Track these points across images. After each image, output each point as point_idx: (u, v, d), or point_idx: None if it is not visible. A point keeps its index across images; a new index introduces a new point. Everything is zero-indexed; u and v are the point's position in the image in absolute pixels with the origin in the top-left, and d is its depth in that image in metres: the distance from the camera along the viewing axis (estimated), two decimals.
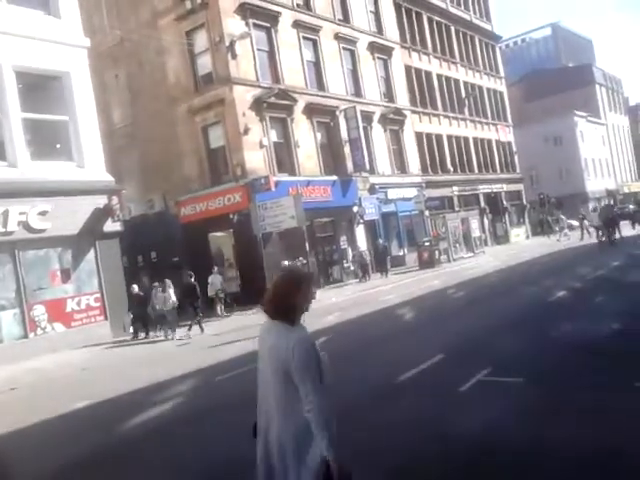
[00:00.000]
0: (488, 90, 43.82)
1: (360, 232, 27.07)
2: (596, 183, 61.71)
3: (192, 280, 16.93)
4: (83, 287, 16.80)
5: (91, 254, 16.98)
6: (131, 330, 17.12)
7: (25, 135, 15.74)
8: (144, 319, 16.91)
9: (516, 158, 46.29)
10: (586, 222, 32.52)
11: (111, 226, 17.21)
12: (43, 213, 15.57)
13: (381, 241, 27.08)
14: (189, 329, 15.97)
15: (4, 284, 15.13)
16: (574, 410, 5.45)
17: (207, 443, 6.03)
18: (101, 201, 17.07)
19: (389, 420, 5.90)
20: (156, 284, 16.98)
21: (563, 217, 36.54)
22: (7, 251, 15.18)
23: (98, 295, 16.86)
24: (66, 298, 16.34)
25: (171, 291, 16.26)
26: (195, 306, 16.33)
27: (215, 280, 19.86)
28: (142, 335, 16.80)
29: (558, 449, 4.60)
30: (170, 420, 7.35)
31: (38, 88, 16.76)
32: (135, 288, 17.36)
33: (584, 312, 10.54)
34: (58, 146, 17.07)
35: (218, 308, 19.62)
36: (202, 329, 16.08)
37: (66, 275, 16.57)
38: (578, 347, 7.67)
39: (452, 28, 40.02)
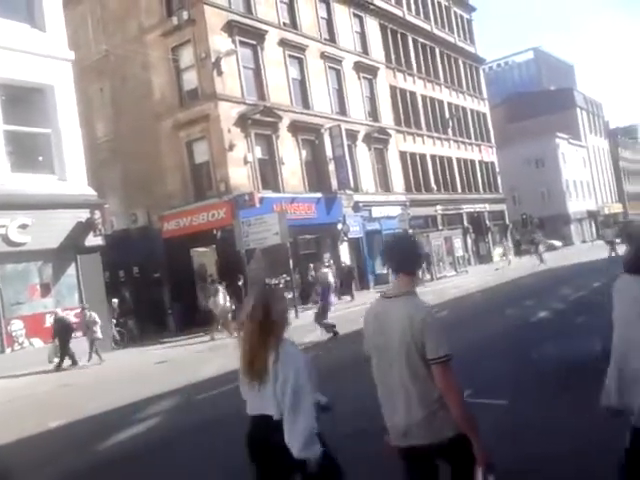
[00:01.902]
0: (471, 111, 44.37)
1: (344, 250, 27.07)
2: (577, 204, 62.54)
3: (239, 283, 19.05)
4: (63, 302, 16.51)
5: (72, 268, 16.76)
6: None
7: (6, 147, 15.55)
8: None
9: (499, 178, 46.81)
10: (541, 247, 32.65)
11: (93, 240, 17.01)
12: (23, 226, 15.36)
13: (347, 262, 26.48)
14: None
15: None
16: (557, 431, 5.41)
17: None
18: (83, 215, 16.88)
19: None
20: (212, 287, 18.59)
21: (539, 239, 36.45)
22: None
23: (78, 310, 16.57)
24: (45, 313, 16.05)
25: (221, 295, 17.88)
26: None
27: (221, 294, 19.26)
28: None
29: (540, 470, 4.56)
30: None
31: (21, 100, 16.57)
32: (115, 302, 17.29)
33: (567, 332, 10.54)
34: (40, 159, 16.89)
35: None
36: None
37: (46, 289, 16.31)
38: (561, 368, 7.65)
39: (437, 50, 40.58)
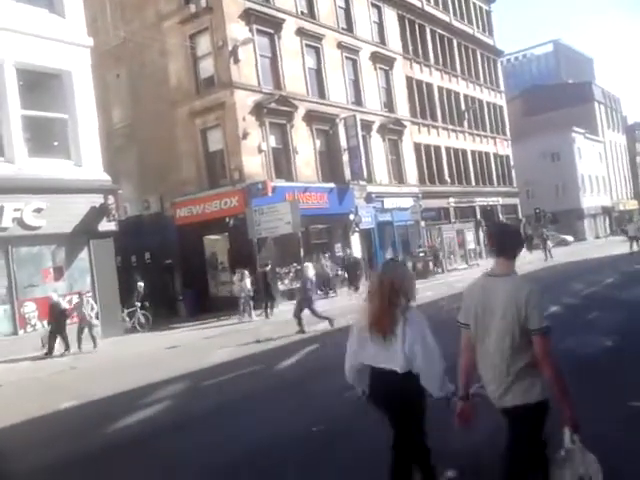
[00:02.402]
0: (488, 104, 44.05)
1: (355, 240, 27.08)
2: (592, 199, 61.98)
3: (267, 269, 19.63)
4: (75, 285, 16.76)
5: (85, 253, 16.96)
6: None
7: (24, 132, 15.73)
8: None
9: (513, 172, 46.51)
10: (549, 242, 32.46)
11: (106, 225, 17.19)
12: (38, 210, 15.55)
13: (349, 252, 25.87)
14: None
15: None
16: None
17: None
18: (97, 200, 17.05)
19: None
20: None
21: (547, 234, 36.09)
22: (1, 247, 15.15)
23: (90, 294, 16.77)
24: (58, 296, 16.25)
25: (248, 281, 18.40)
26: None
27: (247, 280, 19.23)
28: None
29: None
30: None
31: (39, 86, 16.76)
32: (141, 286, 17.83)
33: (579, 328, 10.53)
34: (56, 144, 17.08)
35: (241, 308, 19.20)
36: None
37: (59, 273, 16.54)
38: (572, 363, 7.67)
39: (454, 41, 40.25)
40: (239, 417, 7.13)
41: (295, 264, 21.50)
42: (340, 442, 5.75)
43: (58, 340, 14.60)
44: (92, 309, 15.18)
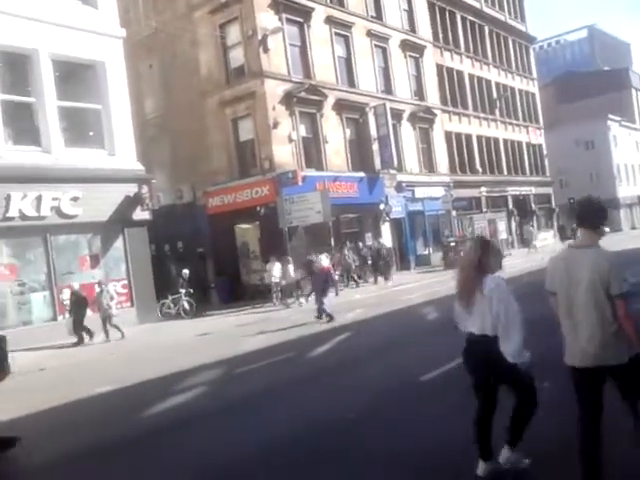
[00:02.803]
0: (520, 91, 43.31)
1: (386, 230, 26.99)
2: (628, 189, 60.60)
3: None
4: (111, 273, 17.09)
5: (120, 241, 17.25)
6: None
7: (60, 122, 16.02)
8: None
9: (546, 161, 45.72)
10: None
11: (140, 214, 17.44)
12: (75, 199, 15.86)
13: (380, 241, 25.28)
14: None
15: (36, 267, 15.50)
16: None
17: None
18: (131, 189, 17.30)
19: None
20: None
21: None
22: (39, 235, 15.53)
23: (125, 282, 17.12)
24: (94, 283, 16.53)
25: (290, 267, 19.00)
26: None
27: (276, 268, 19.53)
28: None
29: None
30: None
31: (73, 76, 17.05)
32: (186, 273, 18.72)
33: None
34: (91, 134, 17.36)
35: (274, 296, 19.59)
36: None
37: (95, 261, 16.88)
38: None
39: (486, 28, 39.62)
40: (272, 405, 7.18)
41: (325, 253, 21.47)
42: (372, 429, 5.78)
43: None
44: (111, 299, 14.95)
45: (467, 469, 4.43)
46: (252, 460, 5.22)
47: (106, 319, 14.69)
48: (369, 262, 24.04)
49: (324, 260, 15.09)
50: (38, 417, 7.77)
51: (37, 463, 5.86)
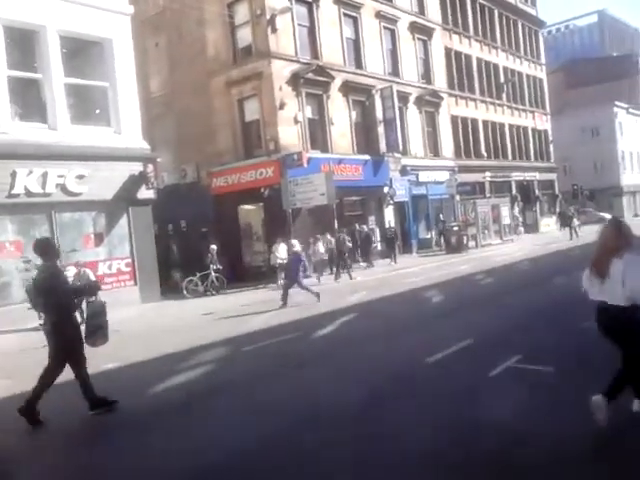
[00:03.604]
0: (528, 77, 42.99)
1: (389, 213, 26.98)
2: (632, 177, 60.36)
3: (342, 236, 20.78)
4: (115, 252, 17.11)
5: (124, 220, 17.24)
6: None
7: (67, 99, 15.94)
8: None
9: (551, 147, 45.49)
10: (575, 220, 31.27)
11: (145, 193, 17.42)
12: (80, 177, 15.83)
13: (366, 228, 24.29)
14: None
15: None
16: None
17: None
18: (136, 168, 17.25)
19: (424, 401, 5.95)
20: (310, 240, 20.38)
21: (574, 211, 34.91)
22: (45, 212, 15.52)
23: (129, 260, 17.14)
24: (98, 261, 16.65)
25: (320, 244, 20.08)
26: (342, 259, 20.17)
27: (281, 249, 19.52)
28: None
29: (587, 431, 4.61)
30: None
31: (80, 53, 16.91)
32: (213, 249, 18.84)
33: None
34: (97, 111, 17.25)
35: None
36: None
37: (99, 239, 16.89)
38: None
39: (495, 11, 39.22)
40: (276, 384, 7.25)
41: (328, 235, 21.54)
42: (375, 410, 5.84)
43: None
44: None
45: (473, 446, 4.51)
46: (268, 437, 5.28)
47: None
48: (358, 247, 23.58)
49: (297, 245, 15.24)
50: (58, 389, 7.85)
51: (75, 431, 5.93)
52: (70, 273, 15.67)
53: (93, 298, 6.99)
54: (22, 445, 5.94)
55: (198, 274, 19.06)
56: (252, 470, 4.60)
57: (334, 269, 20.56)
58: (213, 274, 19.23)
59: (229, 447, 5.10)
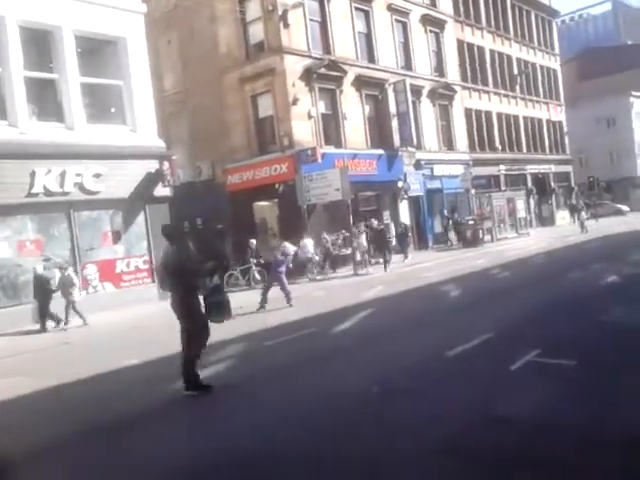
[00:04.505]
0: (541, 67, 42.63)
1: (404, 207, 26.92)
2: None
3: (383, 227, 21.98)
4: (132, 249, 17.26)
5: (141, 217, 17.37)
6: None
7: (83, 98, 16.07)
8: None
9: (566, 139, 45.10)
10: (583, 214, 30.68)
11: (161, 191, 17.52)
12: (97, 175, 15.97)
13: (375, 223, 23.52)
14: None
15: (60, 243, 15.69)
16: (631, 393, 5.39)
17: None
18: (152, 166, 17.34)
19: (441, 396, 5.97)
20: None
21: (582, 203, 34.40)
22: (63, 211, 15.68)
23: (147, 258, 17.27)
24: (116, 259, 16.82)
25: (363, 237, 20.31)
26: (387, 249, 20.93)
27: (308, 244, 19.80)
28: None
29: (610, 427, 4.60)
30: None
31: (95, 52, 17.05)
32: (253, 243, 19.00)
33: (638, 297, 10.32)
34: (113, 110, 17.39)
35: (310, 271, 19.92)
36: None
37: (117, 237, 17.04)
38: (632, 331, 7.58)
39: (508, 2, 38.93)
40: (298, 378, 7.29)
41: (344, 231, 21.56)
42: (395, 403, 5.85)
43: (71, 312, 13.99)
44: (72, 285, 13.88)
45: (502, 440, 4.51)
46: (294, 427, 5.33)
47: (69, 305, 13.83)
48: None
49: (288, 247, 14.61)
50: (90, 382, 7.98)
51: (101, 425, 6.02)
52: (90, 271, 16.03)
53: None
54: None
55: (238, 268, 19.07)
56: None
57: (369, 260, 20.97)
58: (254, 267, 19.41)
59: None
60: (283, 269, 14.21)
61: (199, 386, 6.79)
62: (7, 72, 14.71)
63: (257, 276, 19.29)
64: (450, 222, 28.31)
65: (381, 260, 20.96)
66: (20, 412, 7.09)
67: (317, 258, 20.01)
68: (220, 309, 7.07)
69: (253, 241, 19.50)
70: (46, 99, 16.10)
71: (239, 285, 19.00)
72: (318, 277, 19.69)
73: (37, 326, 13.75)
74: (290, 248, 14.67)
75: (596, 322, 8.53)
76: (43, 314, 13.67)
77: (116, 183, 16.21)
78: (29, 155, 14.53)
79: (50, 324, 13.77)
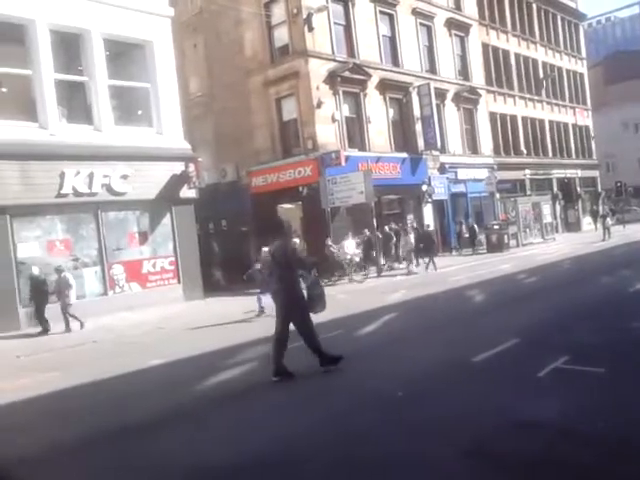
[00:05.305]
0: (568, 71, 42.11)
1: (428, 211, 26.80)
2: None
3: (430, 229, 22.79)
4: (158, 250, 17.45)
5: (167, 219, 17.56)
6: None
7: (111, 101, 16.32)
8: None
9: (593, 143, 44.47)
10: (609, 220, 29.85)
11: (187, 193, 17.71)
12: (124, 177, 16.20)
13: (426, 223, 24.76)
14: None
15: (88, 243, 15.95)
16: None
17: None
18: (178, 168, 17.55)
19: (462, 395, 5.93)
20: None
21: (608, 210, 33.62)
22: (91, 211, 15.94)
23: (172, 259, 17.46)
24: (142, 260, 17.03)
25: (411, 236, 20.88)
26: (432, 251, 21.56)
27: (349, 245, 19.78)
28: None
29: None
30: None
31: (123, 56, 17.31)
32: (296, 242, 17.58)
33: None
34: (140, 112, 17.63)
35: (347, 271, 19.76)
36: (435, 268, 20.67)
37: (143, 238, 17.24)
38: None
39: (534, 5, 38.51)
40: (325, 378, 7.30)
41: (366, 231, 21.52)
42: (420, 407, 5.83)
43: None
44: (68, 287, 13.65)
45: (532, 446, 4.47)
46: (322, 432, 5.35)
47: (65, 308, 13.64)
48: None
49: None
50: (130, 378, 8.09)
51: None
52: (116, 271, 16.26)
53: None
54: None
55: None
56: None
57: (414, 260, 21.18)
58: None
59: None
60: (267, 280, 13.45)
61: (332, 360, 7.34)
62: (38, 75, 15.02)
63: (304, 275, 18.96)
64: (463, 227, 27.94)
65: (413, 264, 21.08)
66: (61, 405, 7.24)
67: (357, 259, 19.86)
68: (320, 300, 7.62)
69: (296, 241, 18.24)
70: (75, 101, 16.40)
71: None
72: (357, 278, 19.26)
73: (36, 329, 13.68)
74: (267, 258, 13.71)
75: (625, 329, 8.40)
76: (40, 316, 13.62)
77: (143, 184, 16.43)
78: (58, 156, 14.82)
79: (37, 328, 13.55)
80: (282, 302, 7.33)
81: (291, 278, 7.38)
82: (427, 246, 21.34)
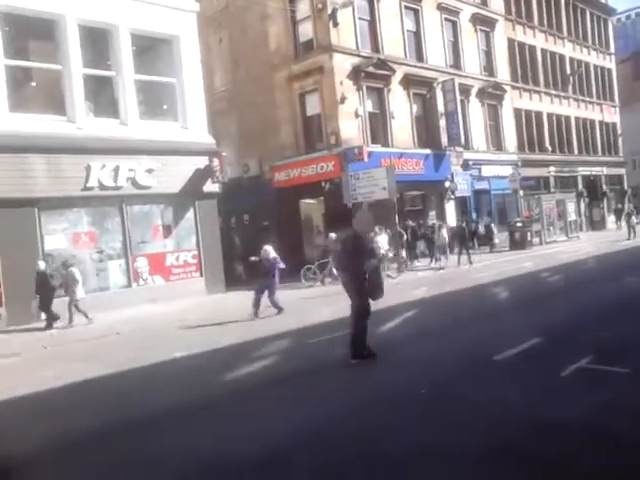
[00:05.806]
0: (595, 67, 41.45)
1: (450, 208, 26.65)
2: None
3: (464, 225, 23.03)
4: (182, 244, 17.64)
5: (190, 213, 17.73)
6: None
7: (137, 95, 16.52)
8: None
9: (620, 141, 43.75)
10: (634, 218, 28.93)
11: (210, 187, 17.86)
12: (149, 170, 16.39)
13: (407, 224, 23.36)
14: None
15: (113, 236, 16.18)
16: None
17: None
18: (202, 162, 17.69)
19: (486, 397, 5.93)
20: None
21: (632, 209, 32.83)
22: (116, 204, 16.17)
23: (195, 252, 17.64)
24: (166, 253, 17.23)
25: (444, 231, 21.34)
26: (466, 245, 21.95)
27: (382, 240, 19.51)
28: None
29: None
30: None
31: (149, 51, 17.52)
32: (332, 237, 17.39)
33: None
34: (165, 107, 17.81)
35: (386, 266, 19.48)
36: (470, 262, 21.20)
37: (167, 231, 17.44)
38: None
39: (562, 0, 37.93)
40: (336, 377, 7.34)
41: (390, 230, 21.45)
42: (441, 405, 5.84)
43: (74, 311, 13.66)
44: (75, 282, 13.57)
45: (556, 446, 4.46)
46: (341, 423, 5.40)
47: (71, 303, 13.55)
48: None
49: (271, 251, 13.28)
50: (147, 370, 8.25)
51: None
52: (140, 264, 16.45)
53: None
54: None
55: (317, 262, 18.94)
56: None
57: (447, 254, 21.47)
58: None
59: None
60: (275, 276, 13.15)
61: (364, 355, 7.58)
62: (67, 69, 15.26)
63: (335, 272, 18.83)
64: (480, 226, 27.45)
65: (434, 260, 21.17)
66: (95, 394, 7.44)
67: (391, 255, 19.77)
68: (380, 288, 7.84)
69: (332, 235, 17.56)
70: (102, 96, 16.61)
71: (315, 279, 18.55)
72: (394, 274, 18.94)
73: (41, 323, 13.65)
74: (271, 253, 13.23)
75: None
76: (46, 310, 13.55)
77: (167, 178, 16.61)
78: (85, 150, 15.05)
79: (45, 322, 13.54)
80: (352, 292, 7.68)
81: (361, 267, 7.66)
82: (461, 241, 21.84)
